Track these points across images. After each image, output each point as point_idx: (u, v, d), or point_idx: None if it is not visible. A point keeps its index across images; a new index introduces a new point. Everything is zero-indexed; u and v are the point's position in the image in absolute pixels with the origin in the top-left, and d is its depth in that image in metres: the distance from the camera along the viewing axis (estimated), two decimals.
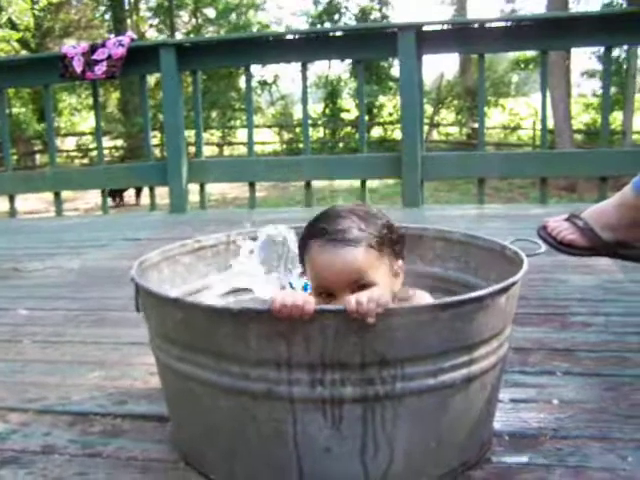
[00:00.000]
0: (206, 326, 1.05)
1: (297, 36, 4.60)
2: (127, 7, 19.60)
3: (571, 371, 1.55)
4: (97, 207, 9.73)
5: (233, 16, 19.41)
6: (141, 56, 4.42)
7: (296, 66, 4.40)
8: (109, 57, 4.31)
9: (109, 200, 5.29)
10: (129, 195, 13.10)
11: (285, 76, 20.16)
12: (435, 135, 20.96)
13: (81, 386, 1.59)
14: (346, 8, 19.19)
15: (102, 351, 1.83)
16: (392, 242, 1.25)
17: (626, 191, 1.71)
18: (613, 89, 14.99)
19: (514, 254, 1.29)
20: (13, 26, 18.80)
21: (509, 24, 4.22)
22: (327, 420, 1.02)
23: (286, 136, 20.86)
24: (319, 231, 1.22)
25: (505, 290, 1.09)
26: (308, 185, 4.46)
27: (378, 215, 1.26)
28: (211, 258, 1.55)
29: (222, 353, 1.05)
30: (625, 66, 15.78)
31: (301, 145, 4.99)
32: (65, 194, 5.36)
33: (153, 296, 1.14)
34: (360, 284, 1.16)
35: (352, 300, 0.98)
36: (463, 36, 4.12)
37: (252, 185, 4.58)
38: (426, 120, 18.99)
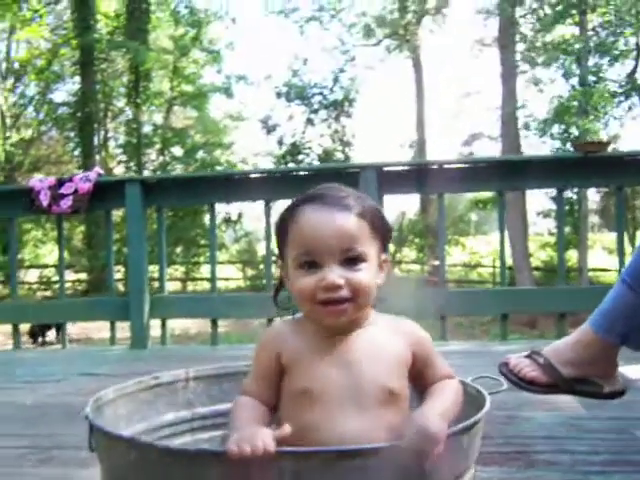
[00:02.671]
0: (161, 468, 1.01)
1: (261, 175, 4.73)
2: (96, 144, 20.08)
3: None
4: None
5: (200, 154, 19.98)
6: (107, 191, 4.48)
7: (260, 205, 4.49)
8: (75, 192, 4.36)
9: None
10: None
11: (250, 213, 20.46)
12: (397, 272, 21.26)
13: None
14: (310, 149, 19.85)
15: None
16: (383, 227, 1.20)
17: (584, 328, 1.74)
18: (567, 229, 15.55)
19: (476, 392, 1.28)
20: None
21: (466, 166, 4.41)
22: None
23: (250, 272, 20.98)
24: (314, 196, 1.17)
25: (467, 430, 1.08)
26: (270, 322, 4.44)
27: (370, 199, 1.21)
28: (169, 396, 1.51)
29: None
30: (577, 207, 16.45)
31: (265, 281, 5.03)
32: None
33: (106, 435, 1.10)
34: (351, 255, 1.12)
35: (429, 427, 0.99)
36: (422, 177, 4.26)
37: (214, 322, 4.54)
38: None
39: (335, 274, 1.11)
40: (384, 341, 1.19)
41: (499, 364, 1.84)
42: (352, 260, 1.13)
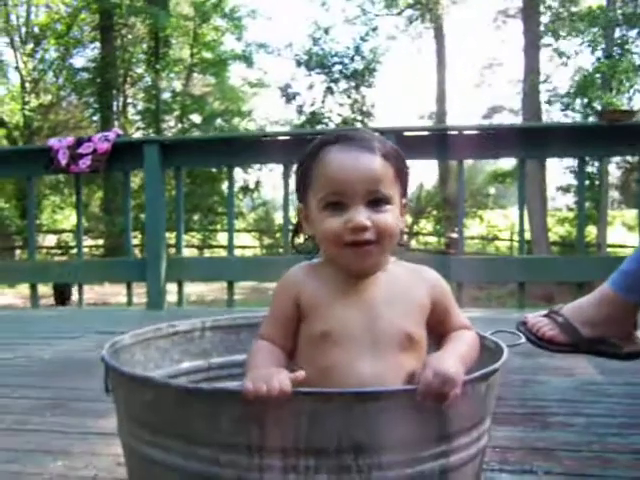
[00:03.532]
0: (177, 407, 1.01)
1: (281, 138, 4.70)
2: (115, 110, 20.06)
3: (552, 471, 1.50)
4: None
5: (218, 121, 19.89)
6: (126, 152, 4.48)
7: (278, 173, 4.48)
8: (94, 151, 4.36)
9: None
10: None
11: (267, 183, 20.37)
12: (414, 244, 21.17)
13: (41, 475, 1.51)
14: (329, 118, 19.70)
15: (67, 440, 1.75)
16: (404, 171, 1.18)
17: (603, 288, 1.72)
18: (587, 204, 15.40)
19: (494, 344, 1.27)
20: (2, 123, 19.13)
21: (487, 133, 4.35)
22: None
23: (266, 241, 20.98)
24: (338, 137, 1.15)
25: (486, 377, 1.07)
26: None
27: (391, 143, 1.20)
28: (185, 344, 1.51)
29: (192, 436, 1.00)
30: (597, 182, 16.26)
31: (281, 250, 5.09)
32: (41, 290, 5.30)
33: (123, 376, 1.10)
34: (377, 197, 1.11)
35: (429, 375, 0.98)
36: (442, 143, 4.21)
37: (230, 284, 4.55)
38: (405, 229, 19.19)
39: (363, 215, 1.09)
40: (404, 286, 1.17)
41: (517, 323, 1.83)
42: (377, 202, 1.11)
